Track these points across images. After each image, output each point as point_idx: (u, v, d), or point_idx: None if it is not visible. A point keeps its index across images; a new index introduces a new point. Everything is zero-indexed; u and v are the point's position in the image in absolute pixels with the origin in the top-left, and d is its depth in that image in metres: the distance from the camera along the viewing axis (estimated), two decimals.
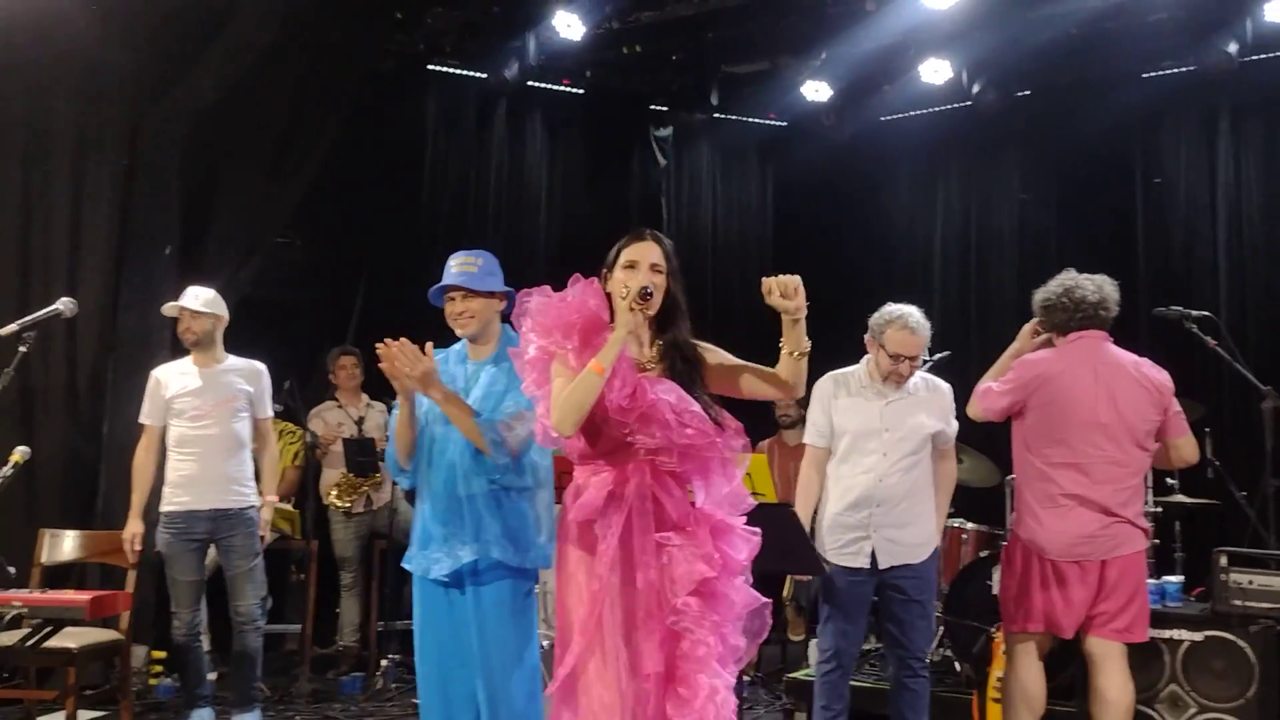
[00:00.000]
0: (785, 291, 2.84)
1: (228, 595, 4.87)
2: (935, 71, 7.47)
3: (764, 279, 2.86)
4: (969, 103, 7.71)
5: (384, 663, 5.99)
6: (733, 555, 2.83)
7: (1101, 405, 3.90)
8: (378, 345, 3.27)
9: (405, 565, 3.45)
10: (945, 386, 4.30)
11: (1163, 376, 4.01)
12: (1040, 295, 4.09)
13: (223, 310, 4.92)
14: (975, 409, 4.13)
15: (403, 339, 3.25)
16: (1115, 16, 6.96)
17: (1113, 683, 3.92)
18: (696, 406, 2.80)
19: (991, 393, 4.06)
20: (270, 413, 5.01)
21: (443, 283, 3.45)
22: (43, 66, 5.61)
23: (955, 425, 4.26)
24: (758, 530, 2.90)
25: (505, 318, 3.50)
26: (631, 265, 2.90)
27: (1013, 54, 7.36)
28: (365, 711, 5.49)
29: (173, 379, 4.88)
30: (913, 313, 4.20)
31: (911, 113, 8.25)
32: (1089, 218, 7.74)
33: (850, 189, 8.48)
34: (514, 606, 3.32)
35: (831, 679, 4.14)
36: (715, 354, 3.03)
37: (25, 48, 5.50)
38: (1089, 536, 3.86)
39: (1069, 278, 4.05)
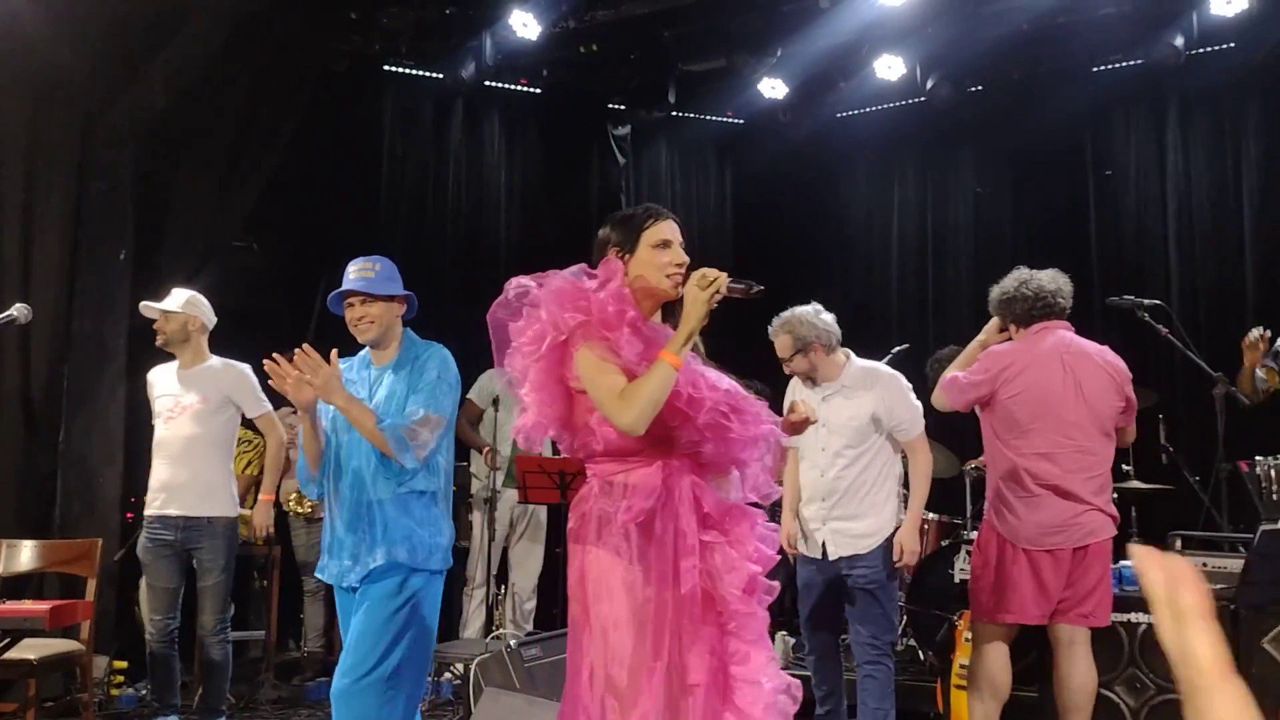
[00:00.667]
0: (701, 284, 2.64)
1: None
2: (889, 68, 7.54)
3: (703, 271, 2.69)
4: (923, 98, 7.79)
5: None
6: (766, 550, 2.69)
7: (1070, 395, 3.96)
8: (265, 361, 3.30)
9: (318, 575, 3.48)
10: (888, 373, 4.34)
11: (1122, 363, 4.10)
12: (997, 291, 4.16)
13: (198, 311, 4.83)
14: (941, 400, 4.17)
15: (305, 345, 3.28)
16: (1065, 12, 7.06)
17: (1076, 668, 3.98)
18: (749, 393, 2.67)
19: (958, 384, 4.10)
20: (261, 410, 4.88)
21: (341, 289, 3.45)
22: None
23: (909, 414, 4.28)
24: (775, 525, 2.81)
25: (407, 322, 3.58)
26: (665, 244, 2.70)
27: (965, 49, 7.44)
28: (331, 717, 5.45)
29: (158, 379, 4.83)
30: (780, 317, 4.28)
31: (867, 109, 8.32)
32: (1042, 209, 7.85)
33: (808, 185, 8.55)
34: (391, 604, 3.30)
35: (810, 663, 4.36)
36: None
37: None
38: (1061, 525, 3.91)
39: (1023, 272, 4.13)
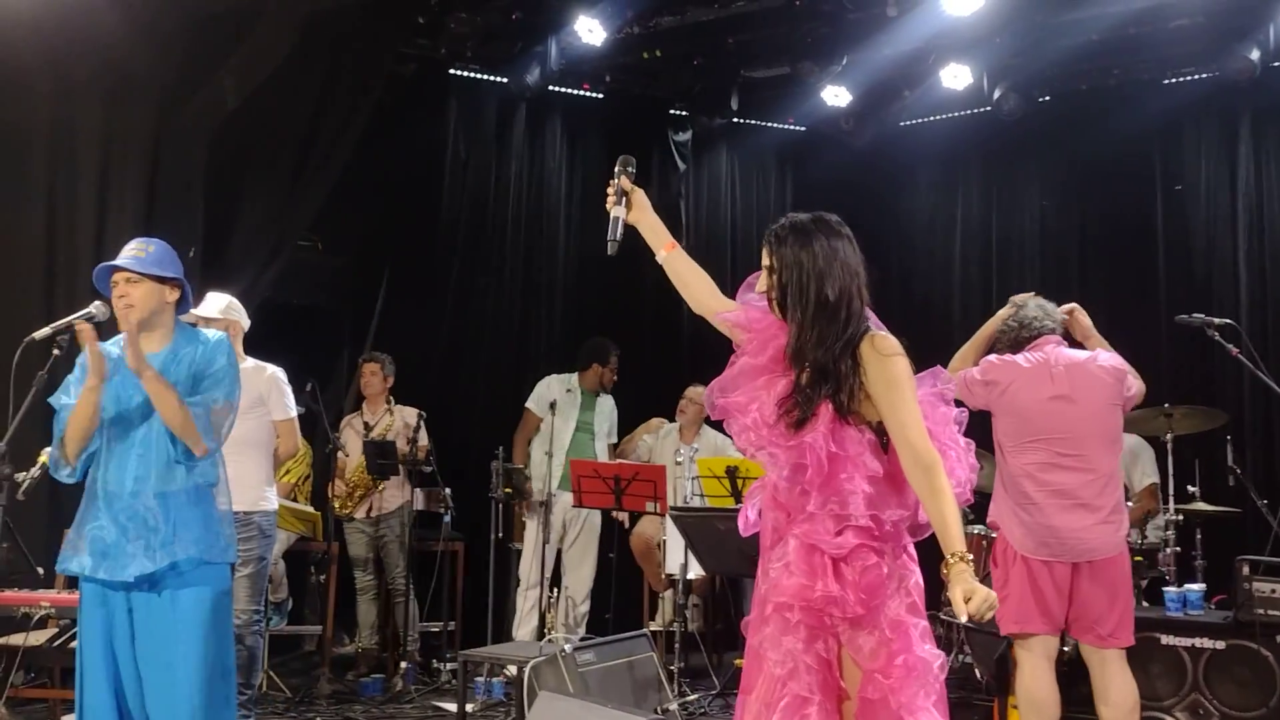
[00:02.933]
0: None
1: None
2: (956, 77, 7.47)
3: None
4: (989, 108, 7.70)
5: (403, 665, 6.02)
6: (843, 589, 2.51)
7: (1060, 410, 3.98)
8: (80, 330, 3.13)
9: (77, 571, 3.23)
10: None
11: (1117, 359, 4.11)
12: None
13: (238, 315, 4.92)
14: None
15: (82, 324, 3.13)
16: (1138, 22, 6.94)
17: (1112, 684, 3.95)
18: (788, 411, 2.56)
19: (965, 385, 4.11)
20: (285, 415, 4.97)
21: (107, 263, 3.28)
22: (70, 69, 5.65)
23: None
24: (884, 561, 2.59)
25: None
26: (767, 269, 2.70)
27: (1034, 60, 7.35)
28: (385, 714, 5.52)
29: None
30: None
31: (931, 118, 8.25)
32: (1110, 224, 7.73)
33: (869, 195, 8.48)
34: (216, 604, 3.27)
35: None
36: (880, 365, 2.60)
37: (53, 50, 5.55)
38: (1056, 536, 3.91)
39: (1010, 308, 4.28)
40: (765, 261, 2.68)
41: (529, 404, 6.67)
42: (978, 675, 5.27)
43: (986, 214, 8.29)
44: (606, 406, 6.76)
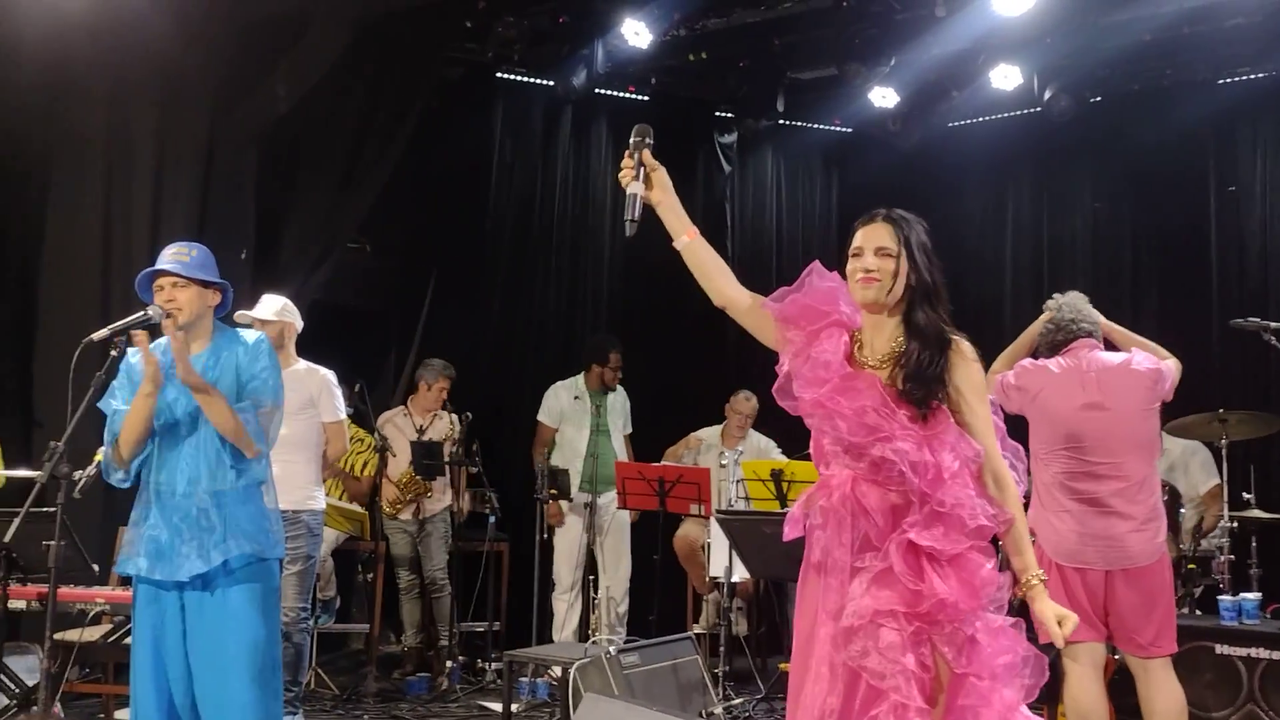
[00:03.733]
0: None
1: None
2: (1005, 77, 7.39)
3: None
4: (1039, 109, 7.61)
5: (449, 665, 6.06)
6: (954, 592, 2.42)
7: (1094, 413, 3.93)
8: (135, 337, 3.19)
9: (133, 572, 3.28)
10: None
11: (1151, 361, 4.04)
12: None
13: (292, 317, 5.00)
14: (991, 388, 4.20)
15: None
16: (1192, 21, 6.83)
17: (1158, 693, 3.89)
18: (883, 410, 2.48)
19: (1002, 389, 4.10)
20: (335, 417, 5.04)
21: (152, 268, 3.32)
22: (124, 75, 5.75)
23: None
24: (989, 562, 2.48)
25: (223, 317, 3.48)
26: (857, 253, 2.61)
27: (1086, 60, 7.26)
28: (431, 713, 5.55)
29: None
30: None
31: (980, 119, 8.17)
32: (1162, 226, 7.61)
33: (917, 197, 8.36)
34: (265, 601, 3.31)
35: None
36: (968, 370, 2.54)
37: (107, 56, 5.65)
38: (1088, 544, 3.86)
39: (1053, 301, 4.24)
40: (881, 243, 2.60)
41: (540, 416, 6.70)
42: None
43: (1037, 216, 8.19)
44: (619, 401, 6.75)
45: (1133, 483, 3.91)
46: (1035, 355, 4.23)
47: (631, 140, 2.73)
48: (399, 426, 6.47)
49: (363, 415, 6.19)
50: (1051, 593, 3.80)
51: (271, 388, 3.37)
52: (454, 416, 6.41)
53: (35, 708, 3.71)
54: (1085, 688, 3.93)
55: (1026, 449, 4.05)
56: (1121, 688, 4.16)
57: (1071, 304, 4.18)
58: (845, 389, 2.52)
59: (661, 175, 2.73)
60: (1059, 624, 2.46)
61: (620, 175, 2.74)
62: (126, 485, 3.34)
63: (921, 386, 2.49)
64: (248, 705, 3.21)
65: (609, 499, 6.42)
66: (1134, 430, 3.95)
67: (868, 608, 2.43)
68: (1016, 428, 3.95)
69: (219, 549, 3.22)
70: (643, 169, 2.71)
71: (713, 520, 5.61)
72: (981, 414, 2.53)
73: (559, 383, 6.76)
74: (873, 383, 2.53)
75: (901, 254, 2.59)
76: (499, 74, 7.72)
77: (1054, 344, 4.14)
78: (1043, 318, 4.24)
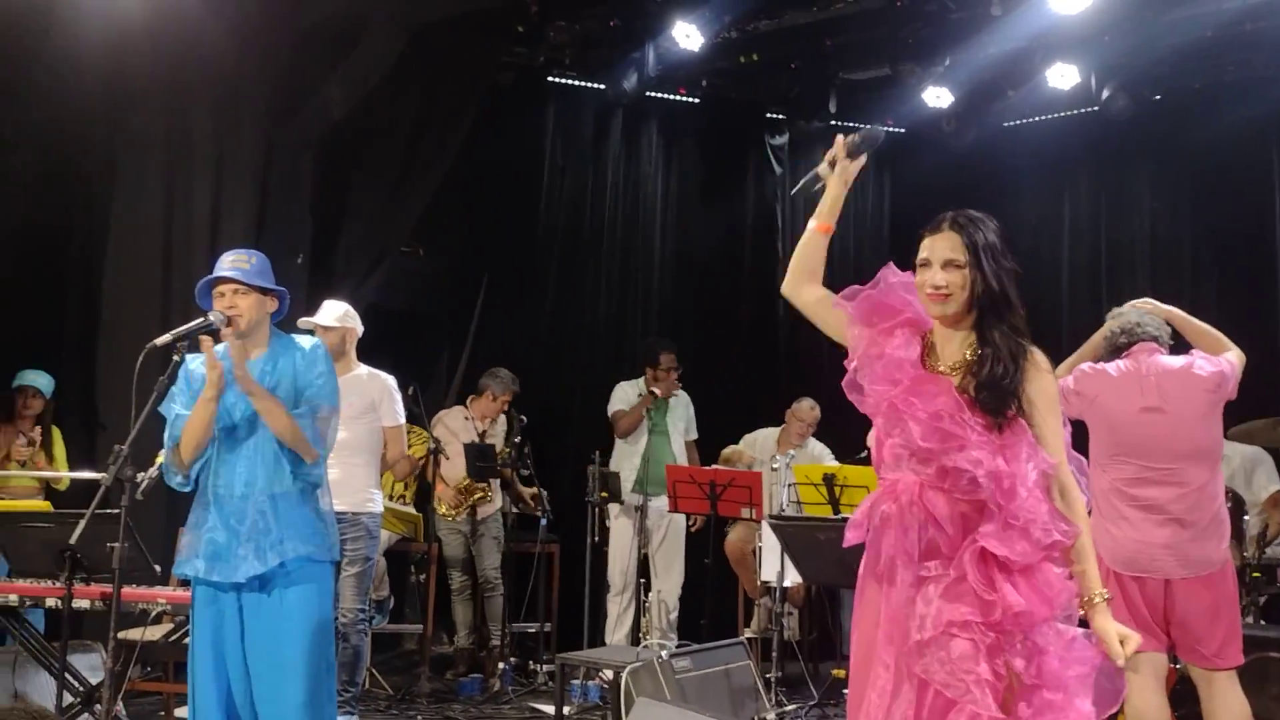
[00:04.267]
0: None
1: None
2: (1062, 76, 7.28)
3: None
4: (1097, 108, 7.50)
5: (501, 666, 6.10)
6: (1027, 602, 2.37)
7: (1153, 418, 3.84)
8: (203, 343, 3.25)
9: (191, 574, 3.32)
10: None
11: (1213, 364, 3.93)
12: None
13: (353, 323, 5.06)
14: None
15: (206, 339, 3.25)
16: (1254, 17, 6.68)
17: (1222, 706, 3.80)
18: (958, 417, 2.42)
19: (1061, 394, 3.96)
20: (395, 421, 5.09)
21: (215, 275, 3.36)
22: (183, 82, 5.85)
23: None
24: (1063, 571, 2.44)
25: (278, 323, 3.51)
26: (925, 264, 2.53)
27: (1144, 58, 7.14)
28: (484, 714, 5.59)
29: None
30: None
31: (1036, 118, 8.06)
32: (1224, 227, 7.46)
33: (971, 197, 8.14)
34: (321, 602, 3.36)
35: None
36: (1042, 382, 2.48)
37: (167, 64, 5.75)
38: (1146, 552, 3.77)
39: (1118, 310, 4.17)
40: (949, 255, 2.50)
41: (617, 406, 6.64)
42: None
43: (1094, 217, 8.06)
44: (680, 404, 6.72)
45: (1192, 489, 3.82)
46: (1097, 361, 4.16)
47: (857, 141, 2.74)
48: (452, 429, 6.51)
49: (416, 418, 6.24)
50: (1115, 604, 3.75)
51: (328, 393, 3.41)
52: (513, 418, 6.45)
53: (99, 705, 3.79)
54: (1147, 699, 3.84)
55: (1086, 455, 4.00)
56: (1182, 696, 4.07)
57: (1139, 309, 4.11)
58: (919, 391, 2.47)
59: (853, 171, 2.75)
60: (1121, 643, 2.41)
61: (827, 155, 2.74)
62: (186, 489, 3.40)
63: (996, 397, 2.44)
64: (302, 706, 3.25)
65: (661, 503, 6.42)
66: (1194, 436, 3.86)
67: (940, 618, 2.39)
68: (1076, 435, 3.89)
69: (275, 551, 3.27)
70: (835, 164, 2.73)
71: (764, 524, 5.58)
72: (1053, 426, 2.49)
73: (624, 381, 6.75)
74: (947, 387, 2.48)
75: (969, 263, 2.50)
76: (550, 78, 7.75)
77: (1116, 348, 4.06)
78: (1108, 324, 4.16)
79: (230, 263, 3.39)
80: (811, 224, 2.75)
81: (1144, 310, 4.10)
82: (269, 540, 3.28)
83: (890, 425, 2.50)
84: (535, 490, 6.53)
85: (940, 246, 2.53)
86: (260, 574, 3.26)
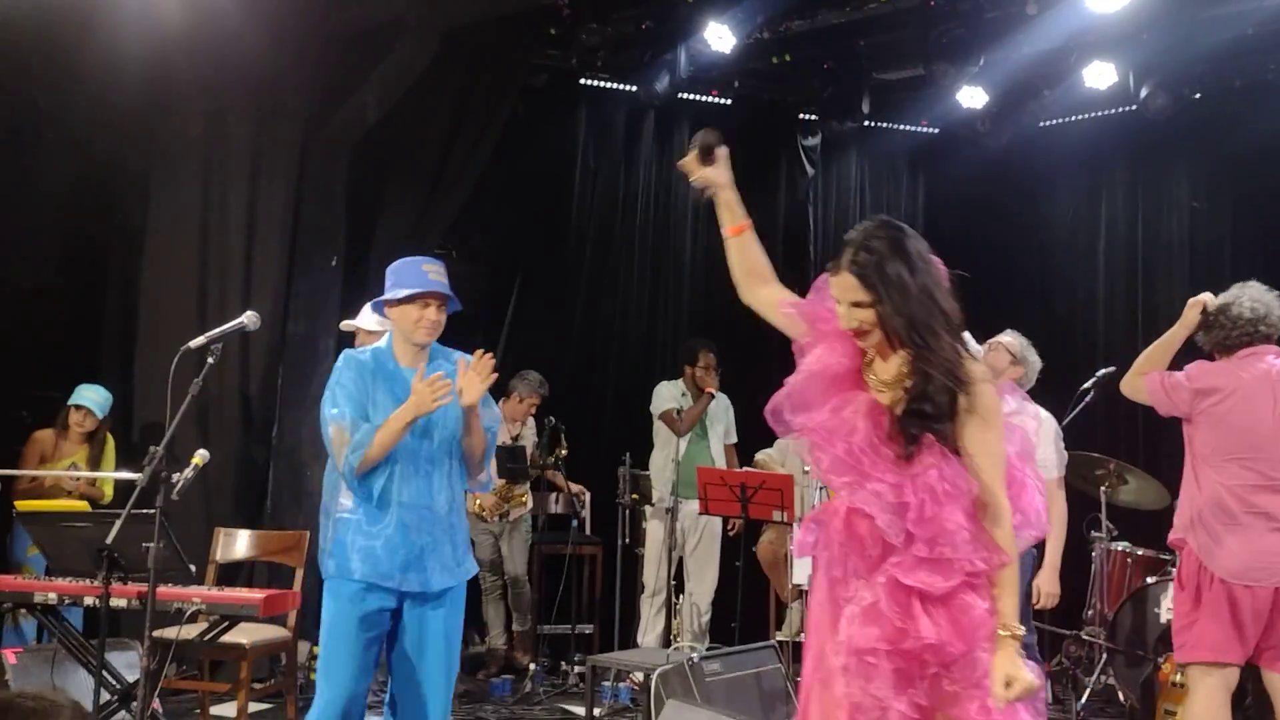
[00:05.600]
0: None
1: None
2: (1099, 75, 7.20)
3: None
4: (1135, 107, 7.40)
5: (532, 667, 6.11)
6: (941, 634, 2.30)
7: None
8: (485, 356, 3.30)
9: (347, 574, 3.30)
10: (1044, 414, 4.48)
11: None
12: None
13: (391, 326, 5.07)
14: (1138, 389, 3.93)
15: (485, 352, 3.31)
16: None
17: None
18: (867, 450, 2.36)
19: (1160, 383, 3.84)
20: None
21: (426, 288, 3.36)
22: (220, 87, 5.92)
23: (1052, 456, 4.43)
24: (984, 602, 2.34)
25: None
26: (837, 302, 2.47)
27: (1183, 55, 7.04)
28: (515, 714, 5.60)
29: None
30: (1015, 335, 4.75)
31: (1073, 118, 7.97)
32: (1265, 227, 7.34)
33: (1006, 198, 8.25)
34: (460, 617, 3.44)
35: None
36: (980, 398, 2.36)
37: (204, 69, 5.82)
38: (1267, 559, 3.64)
39: (1232, 293, 3.87)
40: (852, 296, 2.38)
41: (663, 406, 6.59)
42: (1120, 698, 5.07)
43: (1132, 218, 7.96)
44: (720, 407, 6.68)
45: None
46: (1210, 355, 3.90)
47: (697, 149, 2.75)
48: None
49: None
50: (1213, 611, 3.64)
51: (493, 409, 3.48)
52: (545, 424, 6.47)
53: (135, 703, 3.83)
54: (1216, 712, 3.73)
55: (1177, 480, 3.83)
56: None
57: (1259, 300, 3.81)
58: (834, 421, 2.40)
59: (714, 178, 2.73)
60: (1006, 685, 2.26)
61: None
62: (359, 495, 3.33)
63: (919, 426, 2.34)
64: (445, 707, 3.38)
65: (693, 505, 6.40)
66: None
67: (852, 644, 2.33)
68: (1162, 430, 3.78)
69: (462, 567, 3.39)
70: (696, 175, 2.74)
71: (795, 527, 5.55)
72: (989, 442, 2.35)
73: (665, 382, 6.72)
74: (869, 410, 2.39)
75: (874, 301, 2.37)
76: (582, 80, 7.76)
77: (1227, 344, 3.81)
78: (1192, 313, 3.88)
79: (435, 274, 3.40)
80: (724, 233, 2.71)
81: (1263, 300, 3.81)
82: (455, 555, 3.37)
83: (812, 450, 2.46)
84: (581, 488, 6.57)
85: (842, 289, 2.43)
86: (445, 587, 3.33)
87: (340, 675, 3.32)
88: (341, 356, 3.48)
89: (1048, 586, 4.48)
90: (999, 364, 4.54)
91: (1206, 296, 3.91)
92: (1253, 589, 3.64)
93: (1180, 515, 3.85)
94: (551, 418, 6.36)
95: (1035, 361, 4.65)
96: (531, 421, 6.55)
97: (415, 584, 3.30)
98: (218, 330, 3.32)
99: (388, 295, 3.42)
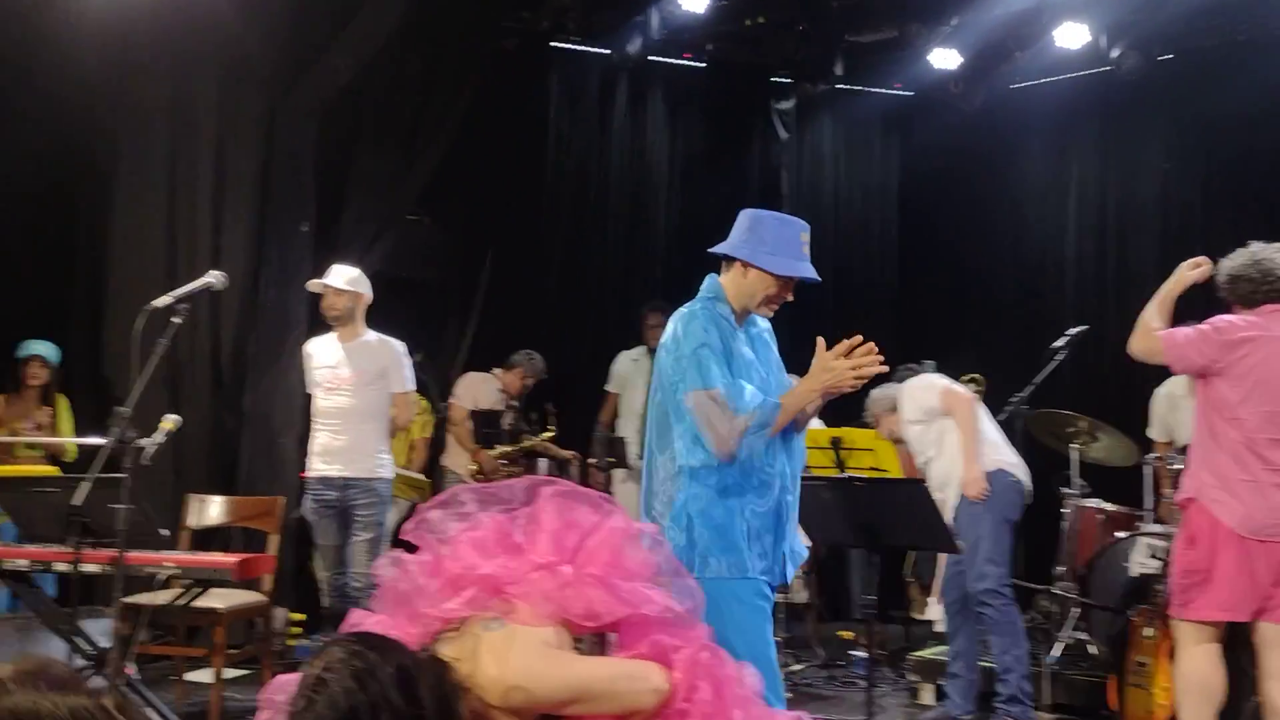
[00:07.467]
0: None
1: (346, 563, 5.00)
2: (1071, 35, 7.19)
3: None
4: (1108, 68, 7.40)
5: None
6: None
7: None
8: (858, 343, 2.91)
9: (754, 573, 2.94)
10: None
11: None
12: (1227, 265, 3.89)
13: (364, 289, 5.05)
14: (1152, 349, 3.84)
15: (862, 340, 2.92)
16: None
17: None
18: None
19: (1183, 339, 3.79)
20: (404, 388, 5.09)
21: (805, 278, 3.05)
22: (188, 52, 5.83)
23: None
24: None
25: None
26: None
27: (1155, 16, 7.04)
28: None
29: (318, 351, 5.06)
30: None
31: (1045, 80, 7.96)
32: (1237, 188, 7.37)
33: (979, 160, 8.25)
34: None
35: None
36: None
37: (170, 32, 5.73)
38: (1277, 515, 3.64)
39: (1257, 248, 3.86)
40: None
41: (610, 387, 6.77)
42: (1092, 652, 5.13)
43: (1103, 179, 7.98)
44: None
45: None
46: (1228, 307, 3.85)
47: None
48: (481, 396, 6.49)
49: (423, 385, 6.24)
50: (1229, 569, 3.64)
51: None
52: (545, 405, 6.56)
53: (108, 668, 3.81)
54: (1214, 663, 3.76)
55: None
56: None
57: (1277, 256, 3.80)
58: None
59: None
60: None
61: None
62: (720, 473, 2.95)
63: None
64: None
65: None
66: None
67: None
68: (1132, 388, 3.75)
69: (798, 551, 3.10)
70: None
71: None
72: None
73: (623, 352, 6.80)
74: None
75: None
76: (554, 43, 7.69)
77: (1254, 295, 3.78)
78: (1193, 273, 3.87)
79: (806, 250, 3.06)
80: None
81: None
82: (790, 537, 3.07)
83: None
84: (573, 454, 6.60)
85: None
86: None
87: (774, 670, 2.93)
88: (686, 311, 3.04)
89: (970, 474, 4.68)
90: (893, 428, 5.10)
91: (1203, 262, 3.91)
92: (1268, 544, 3.63)
93: (1191, 475, 3.82)
94: (550, 404, 6.39)
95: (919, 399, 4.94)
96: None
97: (786, 571, 3.02)
98: (183, 289, 3.28)
99: (756, 255, 3.01)
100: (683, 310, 3.06)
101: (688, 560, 2.85)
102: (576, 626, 2.22)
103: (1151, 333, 3.86)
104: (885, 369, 2.96)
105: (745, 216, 3.11)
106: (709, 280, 3.13)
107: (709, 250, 3.14)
